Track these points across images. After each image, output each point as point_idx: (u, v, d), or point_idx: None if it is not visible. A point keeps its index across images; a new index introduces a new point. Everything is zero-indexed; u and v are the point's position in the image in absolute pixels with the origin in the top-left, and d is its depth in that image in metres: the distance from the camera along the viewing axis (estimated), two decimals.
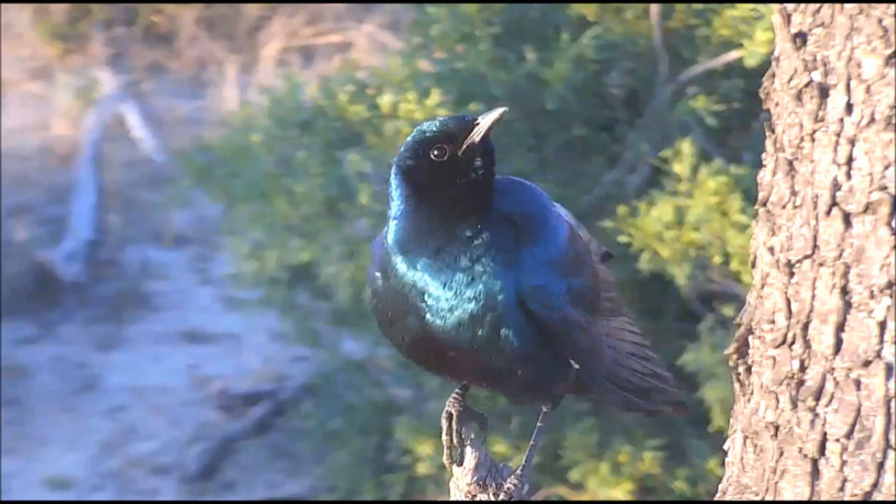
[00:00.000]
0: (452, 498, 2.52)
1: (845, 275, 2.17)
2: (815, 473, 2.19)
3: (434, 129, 2.42)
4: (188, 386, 6.88)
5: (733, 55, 4.75)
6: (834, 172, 2.17)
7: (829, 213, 2.17)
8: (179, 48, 9.22)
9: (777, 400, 2.23)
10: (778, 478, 2.24)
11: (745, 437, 2.29)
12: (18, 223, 7.59)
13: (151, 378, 6.91)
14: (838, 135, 2.16)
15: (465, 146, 2.41)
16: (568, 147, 4.95)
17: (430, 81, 4.83)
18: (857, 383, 2.16)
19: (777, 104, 2.25)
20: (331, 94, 4.91)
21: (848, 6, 2.13)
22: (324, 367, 5.72)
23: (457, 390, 2.59)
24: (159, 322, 7.30)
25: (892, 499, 2.15)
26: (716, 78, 4.85)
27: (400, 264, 2.41)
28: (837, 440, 2.17)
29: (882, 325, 2.15)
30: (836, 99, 2.16)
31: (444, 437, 2.57)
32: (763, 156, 2.29)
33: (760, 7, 4.63)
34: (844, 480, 2.18)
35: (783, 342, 2.22)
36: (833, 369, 2.18)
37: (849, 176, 2.16)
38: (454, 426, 2.56)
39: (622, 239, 4.62)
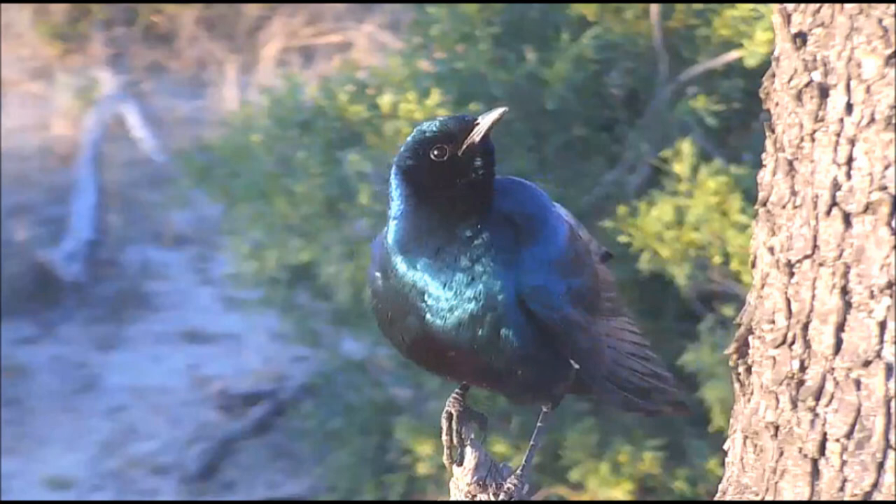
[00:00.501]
0: (452, 498, 2.52)
1: (845, 275, 2.17)
2: (815, 473, 2.20)
3: (434, 129, 2.42)
4: (188, 386, 6.88)
5: (733, 55, 4.75)
6: (834, 172, 2.17)
7: (829, 213, 2.17)
8: (179, 48, 9.22)
9: (777, 400, 2.23)
10: (778, 478, 2.24)
11: (745, 437, 2.29)
12: (18, 223, 7.59)
13: (151, 378, 6.91)
14: (838, 135, 2.16)
15: (465, 146, 2.41)
16: (568, 147, 4.95)
17: (430, 81, 4.83)
18: (857, 383, 2.16)
19: (777, 104, 2.25)
20: (331, 94, 4.91)
21: (848, 6, 2.13)
22: (324, 367, 5.72)
23: (457, 390, 2.59)
24: (159, 322, 7.30)
25: (892, 499, 2.15)
26: (716, 78, 4.85)
27: (400, 264, 2.41)
28: (837, 440, 2.17)
29: (882, 325, 2.15)
30: (836, 99, 2.16)
31: (444, 437, 2.57)
32: (763, 156, 2.29)
33: (760, 7, 4.63)
34: (844, 480, 2.18)
35: (783, 342, 2.22)
36: (833, 369, 2.18)
37: (849, 176, 2.16)
38: (454, 426, 2.56)
39: (622, 239, 4.62)
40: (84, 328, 7.24)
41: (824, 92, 2.17)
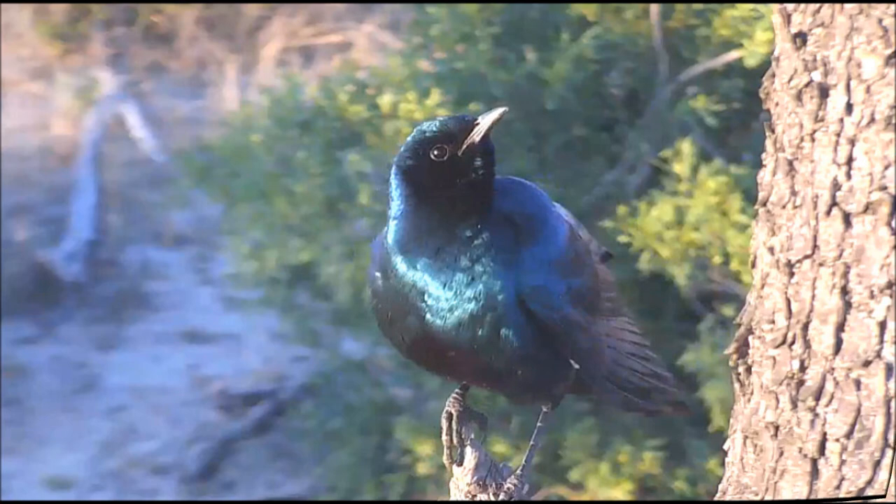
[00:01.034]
0: (452, 498, 2.52)
1: (845, 275, 2.17)
2: (815, 473, 2.20)
3: (434, 129, 2.42)
4: (188, 386, 6.88)
5: (733, 55, 4.75)
6: (834, 172, 2.17)
7: (829, 213, 2.17)
8: (179, 48, 9.22)
9: (777, 400, 2.23)
10: (778, 478, 2.24)
11: (745, 437, 2.30)
12: (18, 223, 7.59)
13: (151, 378, 6.91)
14: (838, 135, 2.16)
15: (465, 146, 2.41)
16: (568, 147, 4.95)
17: (430, 81, 4.83)
18: (857, 383, 2.16)
19: (777, 104, 2.26)
20: (331, 94, 4.91)
21: (848, 6, 2.14)
22: (324, 367, 5.72)
23: (457, 390, 2.59)
24: (159, 322, 7.30)
25: (883, 493, 2.15)
26: (716, 78, 4.85)
27: (400, 264, 2.41)
28: (837, 440, 2.18)
29: (882, 325, 2.15)
30: (836, 99, 2.16)
31: (444, 437, 2.57)
32: (763, 156, 2.29)
33: (760, 7, 4.63)
34: (842, 479, 2.18)
35: (783, 342, 2.23)
36: (833, 369, 2.18)
37: (849, 176, 2.16)
38: (454, 426, 2.56)
39: (622, 239, 4.62)
40: (84, 328, 7.24)
41: (824, 92, 2.17)
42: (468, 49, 4.88)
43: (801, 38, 2.20)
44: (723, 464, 2.37)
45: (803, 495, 2.19)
